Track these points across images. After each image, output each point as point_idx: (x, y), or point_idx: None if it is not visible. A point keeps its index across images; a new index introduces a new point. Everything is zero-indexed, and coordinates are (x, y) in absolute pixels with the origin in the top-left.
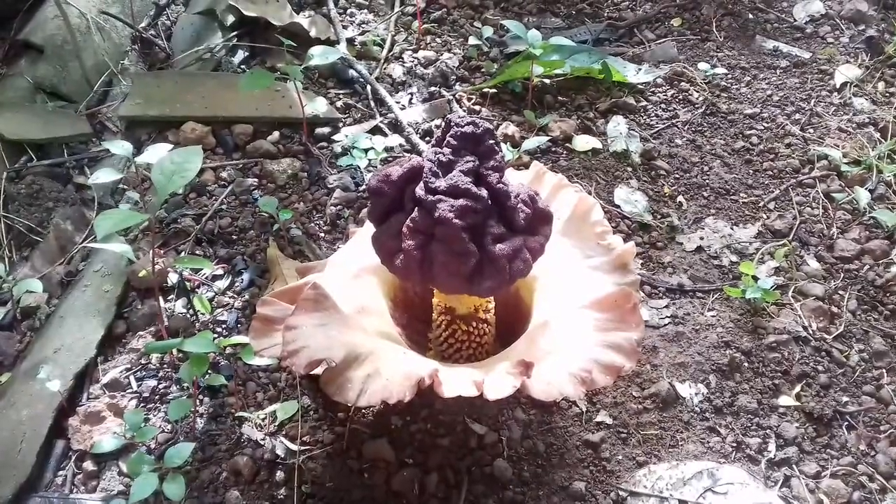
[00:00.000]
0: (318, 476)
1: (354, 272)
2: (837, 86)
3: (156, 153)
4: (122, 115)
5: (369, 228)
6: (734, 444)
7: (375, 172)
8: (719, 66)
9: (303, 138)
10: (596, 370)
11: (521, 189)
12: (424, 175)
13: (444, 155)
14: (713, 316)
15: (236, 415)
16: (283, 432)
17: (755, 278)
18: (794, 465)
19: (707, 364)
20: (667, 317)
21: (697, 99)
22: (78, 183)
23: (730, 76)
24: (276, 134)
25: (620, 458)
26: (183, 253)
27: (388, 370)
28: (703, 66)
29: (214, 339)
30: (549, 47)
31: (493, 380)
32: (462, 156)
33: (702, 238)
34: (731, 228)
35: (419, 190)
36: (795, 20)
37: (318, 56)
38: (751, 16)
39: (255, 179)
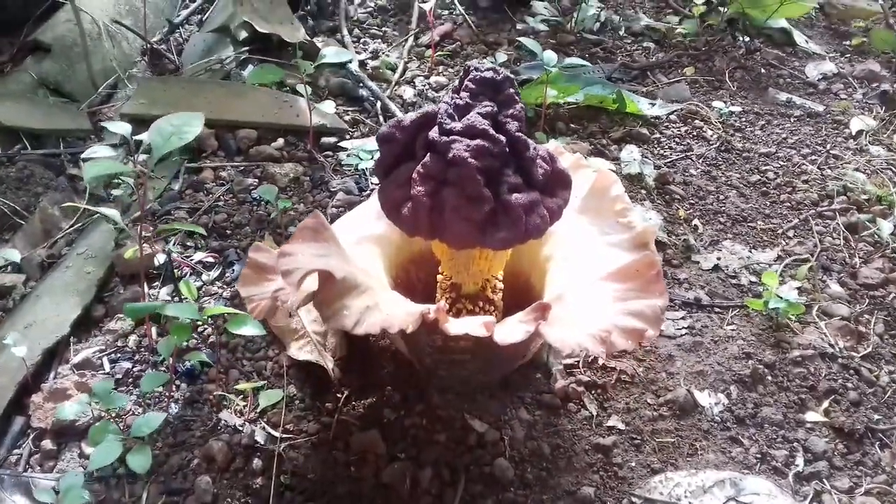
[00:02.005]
0: (299, 466)
1: (355, 240)
2: (853, 133)
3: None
4: (124, 113)
5: (373, 201)
6: (758, 456)
7: (387, 122)
8: (734, 106)
9: (308, 145)
10: (616, 333)
11: (540, 147)
12: (439, 117)
13: (462, 99)
14: (733, 330)
15: (215, 394)
16: (265, 419)
17: (779, 297)
18: (824, 480)
19: (728, 374)
20: (684, 328)
21: (711, 136)
22: (71, 174)
23: (744, 119)
24: (280, 140)
25: (633, 464)
26: (173, 242)
27: (388, 306)
28: (717, 104)
29: (200, 309)
30: (562, 76)
31: (505, 325)
32: (480, 101)
33: (719, 258)
34: (750, 251)
35: (433, 133)
36: (808, 77)
37: (331, 56)
38: (763, 70)
39: (256, 180)
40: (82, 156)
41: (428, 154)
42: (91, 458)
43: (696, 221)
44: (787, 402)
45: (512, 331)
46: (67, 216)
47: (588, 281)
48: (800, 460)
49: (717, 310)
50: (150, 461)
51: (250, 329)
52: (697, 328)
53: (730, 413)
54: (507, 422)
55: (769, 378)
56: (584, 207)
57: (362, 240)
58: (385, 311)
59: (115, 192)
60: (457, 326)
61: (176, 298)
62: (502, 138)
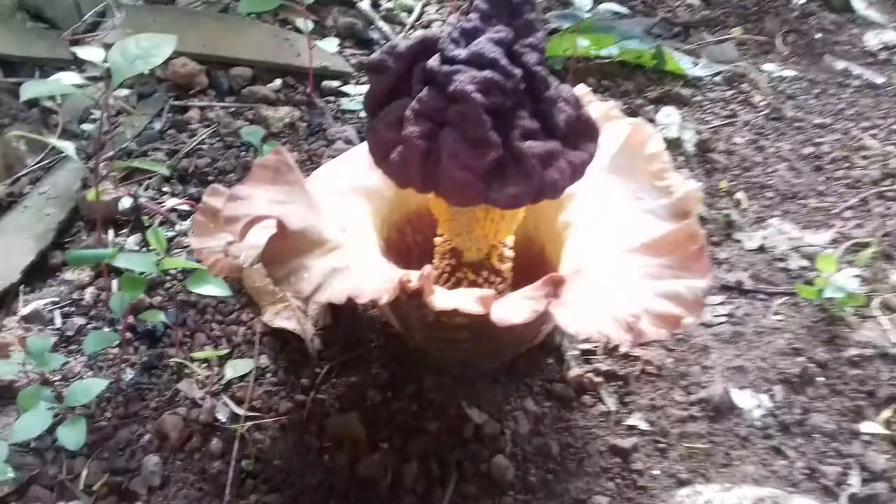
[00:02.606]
0: (264, 450)
1: (341, 189)
2: None
3: None
4: (107, 43)
5: (363, 147)
6: (806, 471)
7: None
8: (786, 71)
9: (307, 89)
10: (646, 318)
11: (564, 87)
12: (441, 42)
13: (470, 21)
14: (779, 320)
15: (174, 360)
16: (229, 394)
17: (836, 286)
18: None
19: (772, 372)
20: (722, 315)
21: (760, 102)
22: (45, 107)
23: (796, 86)
24: (277, 82)
25: (657, 472)
26: (145, 186)
27: (361, 269)
28: (768, 66)
29: (157, 261)
30: (596, 25)
31: (508, 301)
32: (492, 25)
33: (765, 238)
34: (800, 231)
35: (432, 62)
36: (867, 46)
37: None
38: (818, 36)
39: (247, 123)
40: (49, 79)
41: (425, 87)
42: (14, 427)
43: (739, 195)
44: (842, 408)
45: (515, 309)
46: (34, 151)
47: (614, 253)
48: (855, 479)
49: (761, 296)
50: (84, 436)
51: (212, 288)
52: (738, 316)
53: (773, 418)
54: (509, 413)
55: (821, 379)
56: (613, 166)
57: (349, 191)
58: (358, 273)
59: (86, 126)
60: (445, 300)
61: (144, 249)
62: (517, 72)
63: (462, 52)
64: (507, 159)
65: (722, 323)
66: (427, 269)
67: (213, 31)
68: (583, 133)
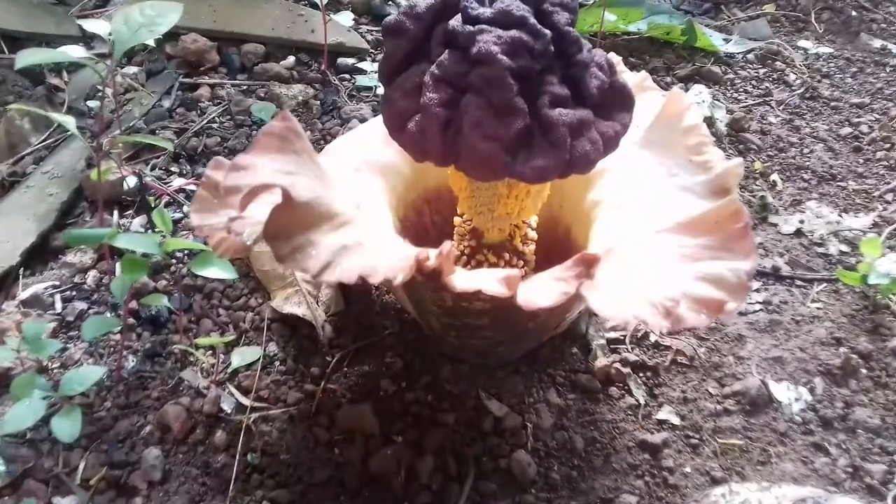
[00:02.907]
0: (271, 443)
1: (355, 164)
2: None
3: None
4: None
5: (379, 120)
6: (849, 470)
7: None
8: (822, 48)
9: (322, 66)
10: (686, 302)
11: (597, 51)
12: (464, 0)
13: None
14: (819, 308)
15: (178, 347)
16: (235, 383)
17: (881, 272)
18: None
19: (812, 363)
20: (758, 302)
21: (795, 81)
22: (51, 84)
23: (832, 64)
24: (291, 59)
25: (688, 469)
26: (150, 165)
27: (374, 246)
28: (803, 44)
29: (161, 241)
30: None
31: (534, 282)
32: None
33: (802, 221)
34: (840, 215)
35: (454, 22)
36: None
37: None
38: (854, 13)
39: (259, 102)
40: (59, 50)
41: (446, 51)
42: (5, 417)
43: (774, 177)
44: (887, 402)
45: (543, 291)
46: (38, 130)
47: (648, 234)
48: None
49: (799, 283)
50: (80, 427)
51: (217, 271)
52: (775, 304)
53: (813, 412)
54: (532, 405)
55: (864, 371)
56: (647, 140)
57: (364, 166)
58: (371, 250)
59: (93, 104)
60: (465, 280)
61: (149, 231)
62: (547, 32)
63: (487, 11)
64: (535, 128)
65: (757, 311)
66: (446, 245)
67: (224, 6)
68: (617, 102)
